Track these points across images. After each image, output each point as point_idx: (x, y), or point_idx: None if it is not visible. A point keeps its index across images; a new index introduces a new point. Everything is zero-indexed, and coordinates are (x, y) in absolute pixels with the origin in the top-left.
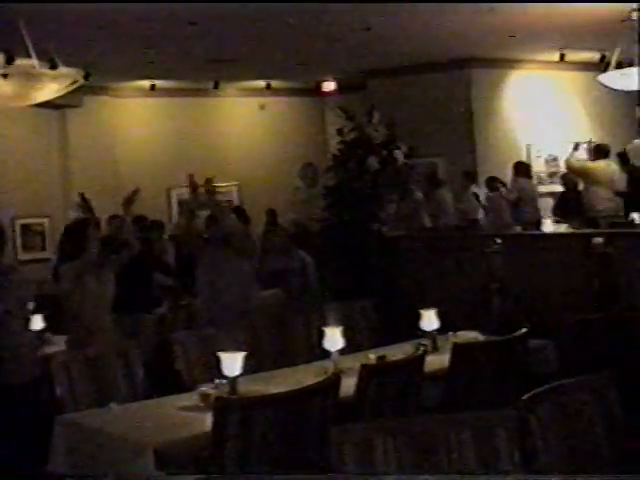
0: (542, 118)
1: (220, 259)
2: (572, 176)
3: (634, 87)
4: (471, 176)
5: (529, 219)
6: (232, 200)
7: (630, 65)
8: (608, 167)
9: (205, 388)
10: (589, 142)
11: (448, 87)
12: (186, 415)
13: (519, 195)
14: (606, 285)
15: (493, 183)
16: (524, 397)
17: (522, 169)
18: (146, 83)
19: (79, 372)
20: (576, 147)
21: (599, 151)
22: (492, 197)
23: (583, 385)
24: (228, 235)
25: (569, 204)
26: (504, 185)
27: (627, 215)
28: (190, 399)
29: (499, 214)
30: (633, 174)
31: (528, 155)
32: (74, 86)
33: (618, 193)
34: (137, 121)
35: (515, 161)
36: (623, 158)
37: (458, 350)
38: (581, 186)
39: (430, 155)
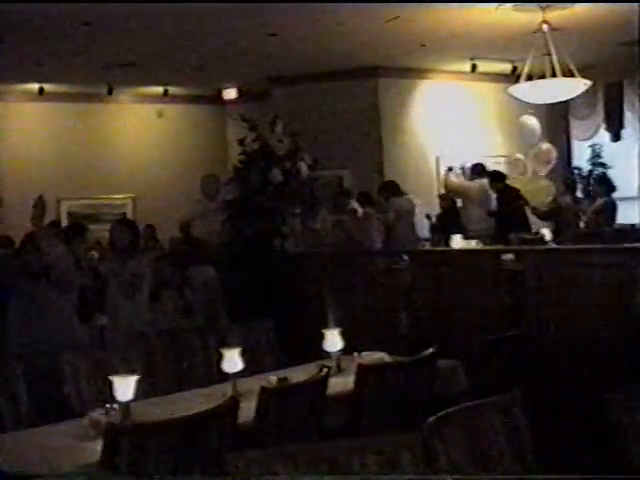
0: (453, 130)
1: (36, 293)
2: (450, 195)
3: (545, 100)
4: (348, 193)
5: (404, 239)
6: (126, 213)
7: (541, 77)
8: (481, 187)
9: (95, 414)
10: (462, 167)
11: (355, 97)
12: (75, 443)
13: (395, 215)
14: (516, 303)
15: (364, 199)
16: (430, 419)
17: (394, 188)
18: (34, 86)
19: None
20: (450, 169)
21: (475, 171)
22: (366, 214)
23: (490, 406)
24: (47, 268)
25: (447, 223)
26: (373, 204)
27: (500, 235)
28: (79, 426)
29: (369, 233)
30: (502, 194)
31: (437, 168)
32: None
33: (489, 213)
34: (24, 127)
35: (384, 181)
36: (493, 177)
37: (363, 371)
38: (459, 205)
39: (336, 167)
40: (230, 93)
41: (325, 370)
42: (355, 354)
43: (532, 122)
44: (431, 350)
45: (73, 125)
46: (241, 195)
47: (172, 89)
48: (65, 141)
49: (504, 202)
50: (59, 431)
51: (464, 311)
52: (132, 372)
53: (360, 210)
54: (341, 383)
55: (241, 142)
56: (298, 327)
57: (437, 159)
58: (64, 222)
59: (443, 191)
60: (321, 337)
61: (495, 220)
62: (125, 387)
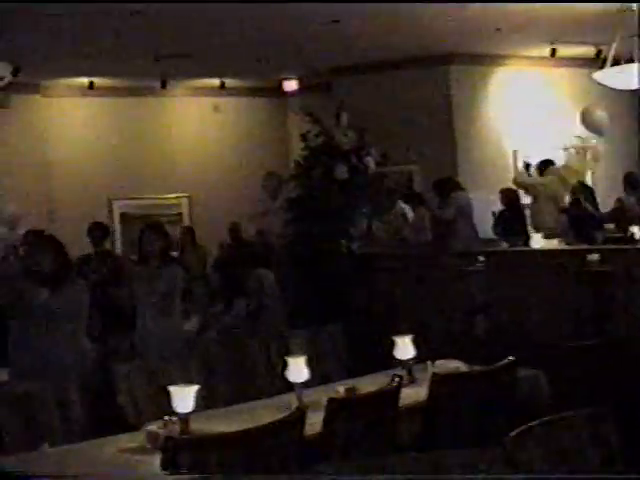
0: (531, 120)
1: None
2: (511, 191)
3: (633, 85)
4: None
5: (464, 238)
6: (182, 213)
7: (629, 61)
8: (553, 182)
9: (153, 427)
10: (527, 164)
11: (425, 86)
12: (130, 458)
13: (456, 212)
14: (602, 306)
15: (415, 198)
16: (512, 433)
17: (452, 183)
18: (84, 81)
19: (9, 411)
20: (527, 165)
21: (545, 166)
22: (418, 215)
23: (577, 419)
24: None
25: (510, 222)
26: (422, 203)
27: (577, 234)
28: (135, 439)
29: (421, 232)
30: (575, 190)
31: (515, 162)
32: (1, 83)
33: (562, 210)
34: (73, 124)
35: (445, 177)
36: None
37: (437, 381)
38: (525, 203)
39: (405, 162)
40: (291, 84)
41: (397, 380)
42: (428, 363)
43: (598, 114)
44: (510, 358)
45: (125, 121)
46: (304, 193)
47: (229, 81)
48: (116, 138)
49: (577, 199)
50: (113, 444)
51: (546, 315)
52: (191, 382)
53: (409, 212)
54: (414, 394)
55: (303, 137)
56: (367, 333)
57: (514, 153)
58: (116, 223)
59: (512, 185)
60: (392, 344)
61: (568, 218)
62: (184, 398)
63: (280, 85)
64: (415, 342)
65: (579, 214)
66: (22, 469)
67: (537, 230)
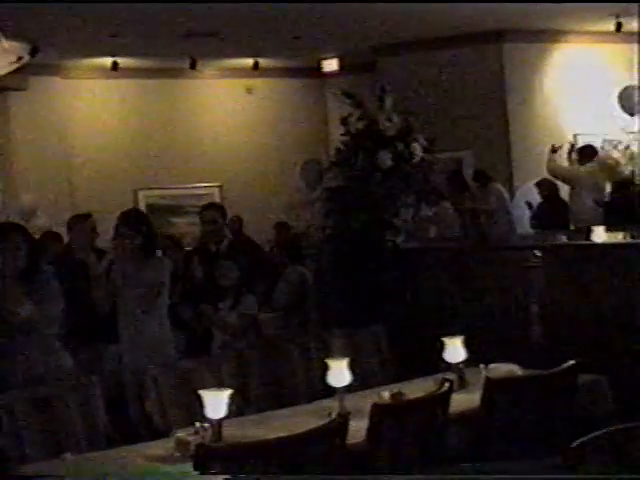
0: (593, 102)
1: None
2: (550, 182)
3: None
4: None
5: (502, 231)
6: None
7: None
8: (594, 172)
9: (183, 433)
10: (572, 145)
11: (476, 66)
12: (159, 467)
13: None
14: None
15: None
16: (573, 444)
17: (486, 174)
18: (107, 61)
19: (26, 417)
20: (554, 150)
21: (585, 154)
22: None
23: None
24: None
25: (549, 214)
26: (443, 197)
27: (608, 226)
28: (164, 447)
29: (446, 227)
30: (616, 182)
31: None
32: (18, 64)
33: (598, 202)
34: (96, 108)
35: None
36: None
37: (491, 387)
38: (563, 193)
39: (455, 149)
40: (330, 65)
41: (447, 385)
42: (481, 366)
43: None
44: (571, 362)
45: (151, 104)
46: (345, 182)
47: (263, 61)
48: (142, 123)
49: (618, 190)
50: (141, 452)
51: (610, 316)
52: (224, 386)
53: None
54: (465, 400)
55: (344, 121)
56: (413, 334)
57: (575, 137)
58: None
59: (549, 176)
60: (441, 346)
61: (605, 211)
62: (216, 403)
63: (319, 65)
64: (466, 344)
65: (621, 204)
66: (42, 477)
67: (574, 222)
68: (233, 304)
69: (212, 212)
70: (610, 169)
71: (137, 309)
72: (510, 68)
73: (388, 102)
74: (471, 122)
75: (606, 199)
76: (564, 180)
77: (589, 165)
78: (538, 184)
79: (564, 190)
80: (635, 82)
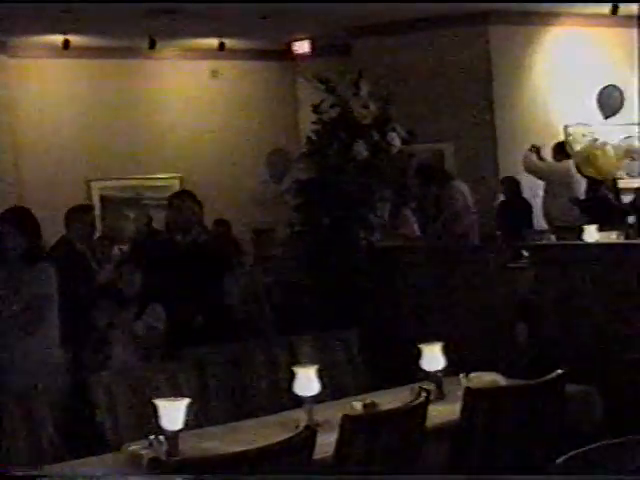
0: (586, 91)
1: None
2: (512, 180)
3: None
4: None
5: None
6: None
7: None
8: (568, 169)
9: (136, 447)
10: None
11: (460, 50)
12: None
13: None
14: None
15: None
16: (559, 459)
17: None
18: (58, 39)
19: None
20: (535, 149)
21: (560, 150)
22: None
23: (636, 444)
24: None
25: (513, 214)
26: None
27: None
28: (115, 460)
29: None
30: (592, 179)
31: (566, 138)
32: None
33: (573, 200)
34: (45, 90)
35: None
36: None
37: (472, 397)
38: (527, 193)
39: (435, 140)
40: (302, 46)
41: (424, 395)
42: (461, 375)
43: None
44: (559, 372)
45: (106, 87)
46: (316, 175)
47: (229, 42)
48: (96, 107)
49: (592, 188)
50: (90, 467)
51: (601, 322)
52: (181, 395)
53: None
54: (444, 411)
55: (316, 108)
56: (388, 340)
57: (565, 128)
58: (96, 207)
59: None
60: (418, 353)
61: (581, 210)
62: (172, 413)
63: (289, 47)
64: (445, 351)
65: (597, 202)
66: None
67: (548, 221)
68: (137, 314)
69: (186, 200)
70: (594, 160)
71: (17, 329)
72: (496, 52)
73: (364, 88)
74: (454, 111)
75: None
76: (541, 177)
77: (565, 162)
78: (501, 182)
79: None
80: (618, 79)
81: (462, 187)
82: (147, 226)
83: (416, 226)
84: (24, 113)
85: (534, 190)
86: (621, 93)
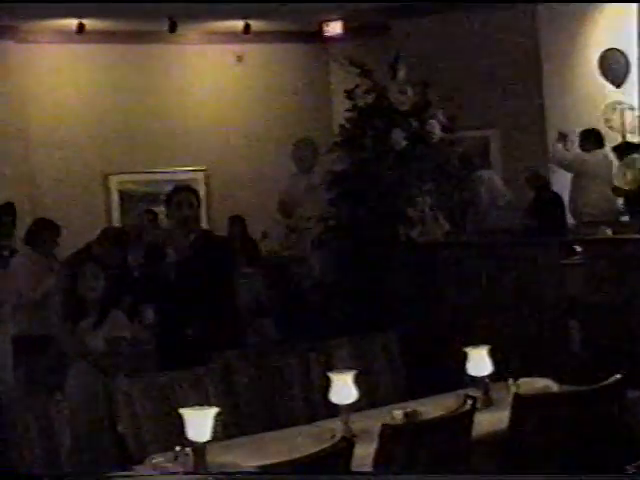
0: None
1: None
2: (540, 175)
3: None
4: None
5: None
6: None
7: None
8: (604, 159)
9: (161, 459)
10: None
11: (505, 30)
12: None
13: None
14: None
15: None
16: (628, 467)
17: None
18: (71, 22)
19: None
20: (564, 138)
21: (591, 139)
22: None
23: None
24: None
25: (545, 209)
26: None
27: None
28: (139, 474)
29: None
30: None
31: (622, 122)
32: None
33: (615, 190)
34: (58, 78)
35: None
36: (620, 152)
37: (522, 404)
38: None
39: (479, 126)
40: (334, 28)
41: (470, 402)
42: (510, 381)
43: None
44: (616, 377)
45: (123, 74)
46: (351, 166)
47: (256, 24)
48: (113, 96)
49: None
50: None
51: None
52: (208, 404)
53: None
54: (492, 420)
55: (350, 94)
56: (430, 343)
57: (621, 112)
58: (115, 204)
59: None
60: (463, 357)
61: (626, 201)
62: (200, 424)
63: (320, 28)
64: (492, 354)
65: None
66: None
67: (578, 217)
68: (97, 322)
69: (188, 195)
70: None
71: None
72: (546, 31)
73: (401, 72)
74: (499, 95)
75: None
76: (570, 169)
77: (599, 151)
78: (527, 179)
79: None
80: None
81: (491, 177)
82: (151, 222)
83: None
84: (35, 103)
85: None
86: None
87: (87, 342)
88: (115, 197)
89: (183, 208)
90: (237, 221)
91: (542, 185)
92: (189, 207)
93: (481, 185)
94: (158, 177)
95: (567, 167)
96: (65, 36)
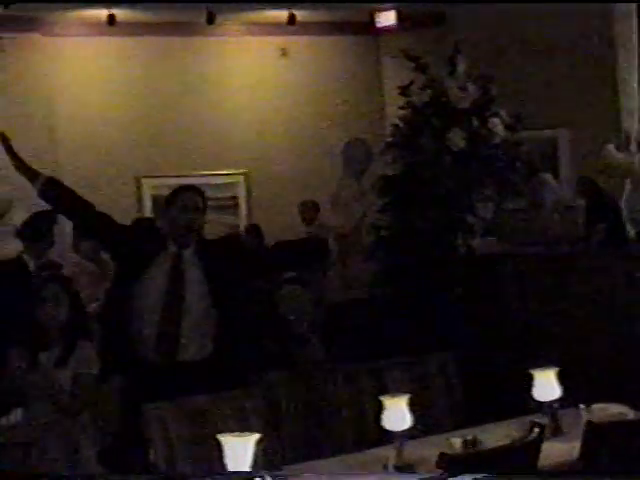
0: None
1: None
2: (590, 180)
3: None
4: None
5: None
6: (237, 197)
7: None
8: None
9: None
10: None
11: (575, 20)
12: None
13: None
14: None
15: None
16: None
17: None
18: (101, 13)
19: None
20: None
21: None
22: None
23: None
24: None
25: (600, 218)
26: None
27: None
28: None
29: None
30: None
31: None
32: None
33: None
34: (87, 73)
35: None
36: None
37: (595, 433)
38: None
39: (547, 126)
40: (387, 18)
41: (536, 430)
42: (581, 407)
43: None
44: None
45: (157, 70)
46: (405, 169)
47: (301, 14)
48: (147, 94)
49: None
50: None
51: None
52: (249, 430)
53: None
54: (561, 450)
55: (404, 90)
56: (492, 364)
57: None
58: (147, 209)
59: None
60: (528, 380)
61: None
62: (240, 451)
63: (372, 18)
64: (561, 378)
65: None
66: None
67: (631, 225)
68: (61, 356)
69: (194, 196)
70: None
71: None
72: (620, 22)
73: (461, 66)
74: (569, 92)
75: None
76: (625, 174)
77: None
78: (579, 183)
79: None
80: None
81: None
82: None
83: None
84: (62, 101)
85: None
86: None
87: (49, 379)
88: (148, 203)
89: (188, 211)
90: (253, 231)
91: (594, 191)
92: (195, 210)
93: (545, 189)
94: (194, 181)
95: (619, 171)
96: (95, 28)
